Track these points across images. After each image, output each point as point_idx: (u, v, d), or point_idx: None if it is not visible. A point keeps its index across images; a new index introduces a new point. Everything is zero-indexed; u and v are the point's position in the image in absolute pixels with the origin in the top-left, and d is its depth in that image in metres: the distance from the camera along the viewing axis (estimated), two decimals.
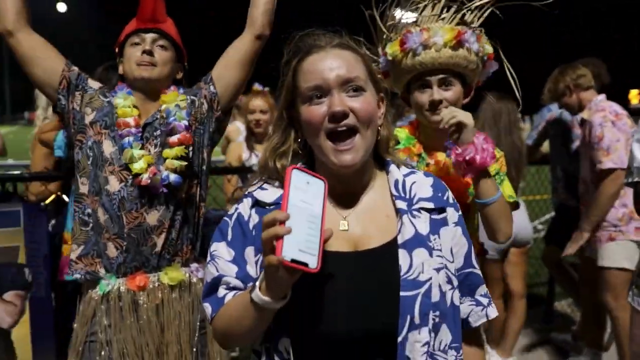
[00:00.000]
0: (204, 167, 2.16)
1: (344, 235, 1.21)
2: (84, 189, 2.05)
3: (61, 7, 37.93)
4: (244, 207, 1.24)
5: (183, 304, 2.09)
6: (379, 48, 2.14)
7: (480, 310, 1.28)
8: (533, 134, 4.37)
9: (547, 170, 4.68)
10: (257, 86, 3.87)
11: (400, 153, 1.99)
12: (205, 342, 2.14)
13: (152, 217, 2.03)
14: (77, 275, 2.05)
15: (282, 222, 0.98)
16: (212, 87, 2.16)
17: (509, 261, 3.74)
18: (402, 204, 1.22)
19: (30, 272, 2.92)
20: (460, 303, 1.25)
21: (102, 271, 2.06)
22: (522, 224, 3.62)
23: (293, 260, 0.98)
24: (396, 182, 1.26)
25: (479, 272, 1.29)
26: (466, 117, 1.81)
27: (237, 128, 5.16)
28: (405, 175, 1.28)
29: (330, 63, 1.17)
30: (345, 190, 1.26)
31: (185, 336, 2.08)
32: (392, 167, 1.29)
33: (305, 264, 1.00)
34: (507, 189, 2.03)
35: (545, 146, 4.39)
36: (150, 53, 2.07)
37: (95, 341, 2.02)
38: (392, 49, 1.96)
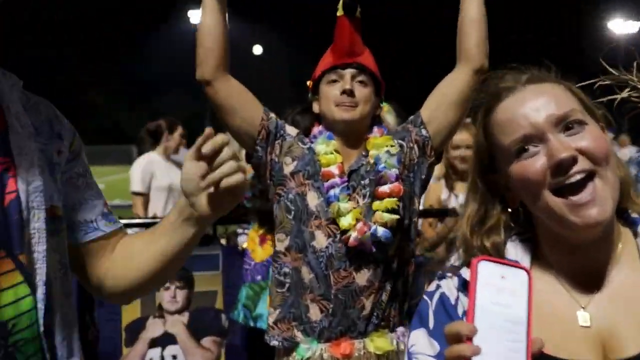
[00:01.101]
0: (414, 219, 1.95)
1: (586, 334, 0.93)
2: (281, 246, 1.90)
3: (257, 50, 41.51)
4: (449, 287, 1.02)
5: None
6: None
7: None
8: None
9: None
10: None
11: None
12: None
13: (362, 277, 1.83)
14: (275, 342, 1.87)
15: (469, 338, 0.77)
16: (423, 131, 1.93)
17: None
18: None
19: (227, 318, 2.83)
20: None
21: (300, 335, 1.85)
22: None
23: None
24: None
25: None
26: None
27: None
28: None
29: (533, 103, 0.97)
30: (582, 267, 0.97)
31: None
32: None
33: None
34: None
35: None
36: (350, 93, 1.87)
37: None
38: None
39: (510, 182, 0.99)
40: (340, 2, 1.90)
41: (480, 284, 0.81)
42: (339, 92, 1.87)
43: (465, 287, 0.99)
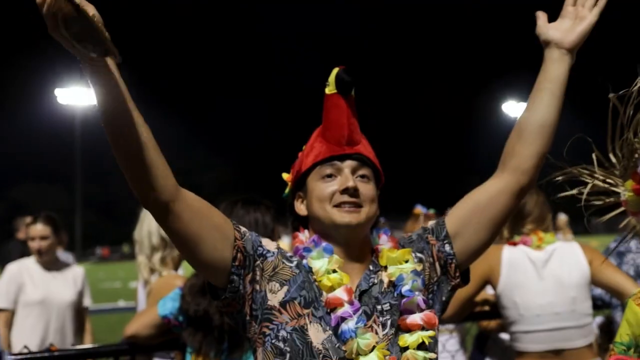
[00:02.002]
0: (436, 348, 1.57)
1: None
2: None
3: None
4: None
5: None
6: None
7: None
8: None
9: None
10: (419, 208, 3.17)
11: None
12: None
13: None
14: None
15: None
16: (447, 247, 1.58)
17: None
18: None
19: None
20: None
21: None
22: None
23: None
24: None
25: None
26: None
27: None
28: None
29: None
30: None
31: None
32: None
33: None
34: None
35: None
36: (355, 192, 1.50)
37: None
38: (628, 186, 1.56)
39: None
40: (332, 76, 1.51)
41: None
42: (339, 190, 1.49)
43: None
